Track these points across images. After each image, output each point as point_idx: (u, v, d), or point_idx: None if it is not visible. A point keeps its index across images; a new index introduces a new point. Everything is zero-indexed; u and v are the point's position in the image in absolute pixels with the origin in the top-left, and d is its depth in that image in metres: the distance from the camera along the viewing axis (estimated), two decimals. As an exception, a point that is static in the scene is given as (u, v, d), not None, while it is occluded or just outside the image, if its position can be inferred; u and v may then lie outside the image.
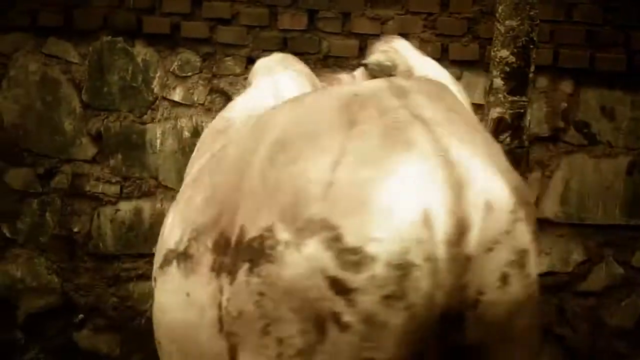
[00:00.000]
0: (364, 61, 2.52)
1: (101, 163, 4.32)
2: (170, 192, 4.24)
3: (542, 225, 3.72)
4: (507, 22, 3.36)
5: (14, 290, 4.38)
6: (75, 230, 4.33)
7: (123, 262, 4.31)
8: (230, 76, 4.23)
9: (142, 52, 4.27)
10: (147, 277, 4.32)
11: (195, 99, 4.21)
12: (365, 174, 1.42)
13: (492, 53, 3.49)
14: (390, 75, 2.45)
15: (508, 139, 3.28)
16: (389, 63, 2.50)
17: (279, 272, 1.45)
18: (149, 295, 4.35)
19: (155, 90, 4.28)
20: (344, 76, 2.62)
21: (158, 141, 4.26)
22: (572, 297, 4.27)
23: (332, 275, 1.39)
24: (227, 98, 4.05)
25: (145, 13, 4.26)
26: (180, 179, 4.16)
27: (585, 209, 4.24)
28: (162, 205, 4.28)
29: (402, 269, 1.37)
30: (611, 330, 4.26)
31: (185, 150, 4.20)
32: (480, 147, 1.52)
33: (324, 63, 4.21)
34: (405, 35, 4.18)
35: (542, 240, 4.05)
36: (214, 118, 2.41)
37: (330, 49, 4.23)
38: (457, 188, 1.42)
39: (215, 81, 4.24)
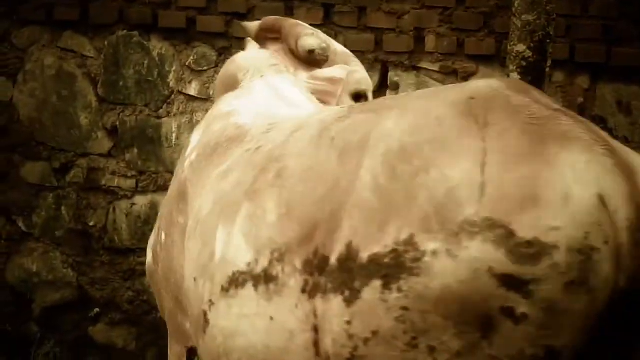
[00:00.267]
0: (308, 48, 2.49)
1: (117, 157, 4.33)
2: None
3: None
4: (523, 17, 3.35)
5: (29, 284, 4.40)
6: (91, 224, 4.34)
7: (138, 255, 4.31)
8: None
9: (157, 46, 4.27)
10: (162, 271, 4.33)
11: (211, 93, 4.21)
12: (524, 169, 1.41)
13: (509, 47, 3.48)
14: (327, 56, 2.50)
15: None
16: (325, 45, 2.53)
17: (427, 284, 1.41)
18: (164, 290, 4.38)
19: (171, 84, 4.28)
20: (325, 70, 2.56)
21: (174, 135, 4.26)
22: None
23: (503, 272, 1.38)
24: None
25: (161, 7, 4.26)
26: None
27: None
28: (177, 199, 4.29)
29: (584, 253, 1.37)
30: None
31: (201, 144, 4.21)
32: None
33: (340, 57, 4.20)
34: (421, 30, 4.19)
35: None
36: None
37: (346, 43, 4.20)
38: (628, 174, 1.43)
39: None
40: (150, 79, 4.28)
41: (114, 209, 4.34)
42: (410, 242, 1.43)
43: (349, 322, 1.49)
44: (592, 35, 4.20)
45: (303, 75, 2.46)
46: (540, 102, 1.53)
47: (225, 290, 1.76)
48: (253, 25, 2.66)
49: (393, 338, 1.45)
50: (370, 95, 2.55)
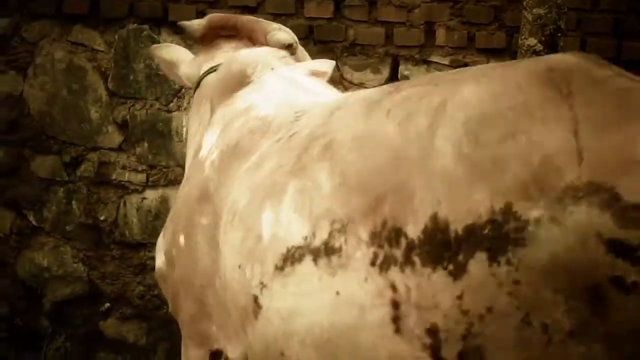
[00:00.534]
0: (286, 42, 2.50)
1: (127, 151, 4.33)
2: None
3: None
4: (534, 10, 3.34)
5: (40, 279, 4.40)
6: (102, 218, 4.34)
7: (149, 250, 4.31)
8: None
9: (168, 40, 4.26)
10: (172, 265, 4.33)
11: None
12: (619, 135, 1.38)
13: (520, 41, 3.47)
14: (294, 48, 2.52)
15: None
16: (295, 39, 2.56)
17: (535, 254, 1.36)
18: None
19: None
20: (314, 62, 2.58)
21: (184, 129, 4.26)
22: None
23: (610, 237, 1.34)
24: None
25: (171, 1, 4.26)
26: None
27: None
28: (188, 193, 4.29)
29: None
30: None
31: (211, 138, 4.20)
32: None
33: (350, 51, 4.19)
34: (431, 24, 4.18)
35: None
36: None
37: (356, 37, 4.21)
38: None
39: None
40: (160, 72, 4.26)
41: (125, 203, 4.34)
42: (508, 211, 1.39)
43: (459, 297, 1.43)
44: (603, 29, 4.18)
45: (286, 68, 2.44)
46: (622, 75, 1.51)
47: (279, 269, 1.69)
48: (197, 24, 2.64)
49: (507, 314, 1.40)
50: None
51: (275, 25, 2.58)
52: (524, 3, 3.26)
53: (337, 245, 1.58)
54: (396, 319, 1.50)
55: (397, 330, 1.50)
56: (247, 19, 2.64)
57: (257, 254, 1.76)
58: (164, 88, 4.27)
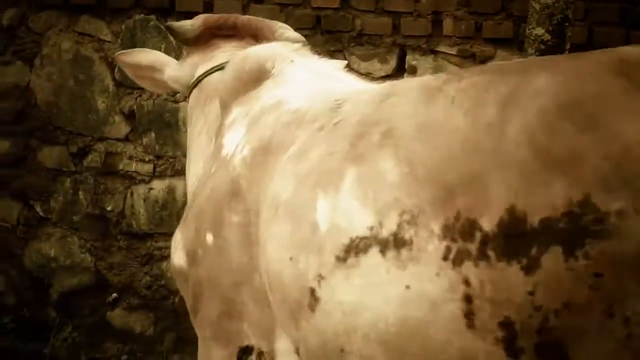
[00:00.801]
0: (296, 39, 2.48)
1: (134, 141, 4.33)
2: (203, 170, 4.25)
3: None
4: (542, 0, 3.34)
5: (47, 269, 4.41)
6: (109, 208, 4.35)
7: (156, 240, 4.32)
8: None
9: (174, 30, 4.26)
10: (179, 255, 4.33)
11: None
12: None
13: (527, 31, 3.46)
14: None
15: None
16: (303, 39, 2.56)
17: (619, 246, 1.33)
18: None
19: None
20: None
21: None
22: None
23: None
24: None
25: (178, -9, 4.26)
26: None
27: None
28: (195, 183, 4.29)
29: None
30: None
31: (218, 128, 4.20)
32: None
33: (357, 41, 4.18)
34: (439, 14, 4.17)
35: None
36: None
37: (363, 27, 4.20)
38: None
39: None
40: (167, 63, 4.27)
41: (132, 194, 4.34)
42: (586, 203, 1.36)
43: (531, 293, 1.40)
44: (610, 19, 4.17)
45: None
46: None
47: (341, 260, 1.62)
48: (190, 25, 2.59)
49: (588, 308, 1.37)
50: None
51: (280, 24, 2.57)
52: (532, -8, 3.25)
53: (407, 237, 1.53)
54: (469, 314, 1.47)
55: (470, 325, 1.47)
56: (247, 18, 2.62)
57: (312, 244, 1.69)
58: (170, 78, 4.27)
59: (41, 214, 4.39)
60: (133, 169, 4.32)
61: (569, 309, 1.39)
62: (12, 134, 4.36)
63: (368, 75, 4.08)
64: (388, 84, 1.96)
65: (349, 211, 1.63)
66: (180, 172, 4.28)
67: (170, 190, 4.30)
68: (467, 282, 1.46)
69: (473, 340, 1.46)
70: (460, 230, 1.47)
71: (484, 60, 4.16)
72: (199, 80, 2.52)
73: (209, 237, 2.05)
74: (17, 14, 4.32)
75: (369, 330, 1.58)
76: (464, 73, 1.71)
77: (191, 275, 2.12)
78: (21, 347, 4.30)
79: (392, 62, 4.16)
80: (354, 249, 1.60)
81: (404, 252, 1.53)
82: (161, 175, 4.31)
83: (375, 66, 4.16)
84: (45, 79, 4.34)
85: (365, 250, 1.58)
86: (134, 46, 4.26)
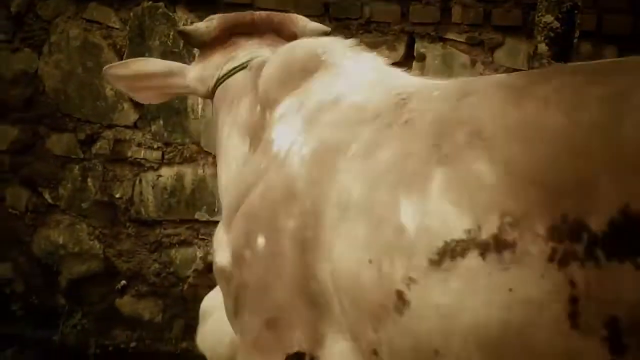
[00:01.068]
0: (324, 30, 2.47)
1: (142, 129, 4.33)
2: (212, 157, 4.25)
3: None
4: (551, -13, 3.34)
5: (56, 256, 4.42)
6: (117, 196, 4.35)
7: (165, 227, 4.33)
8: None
9: (183, 17, 4.26)
10: (188, 243, 4.34)
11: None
12: None
13: (537, 18, 3.45)
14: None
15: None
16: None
17: None
18: (191, 261, 4.41)
19: (197, 55, 4.25)
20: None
21: (199, 107, 4.26)
22: None
23: None
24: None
25: (186, -22, 4.25)
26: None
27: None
28: (203, 170, 4.29)
29: None
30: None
31: (226, 116, 4.20)
32: None
33: (366, 28, 4.18)
34: (447, 1, 4.16)
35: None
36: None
37: (372, 14, 4.19)
38: None
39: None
40: (175, 50, 4.27)
41: (140, 181, 4.34)
42: None
43: None
44: (619, 6, 4.16)
45: None
46: None
47: (435, 263, 1.58)
48: (206, 27, 2.49)
49: None
50: None
51: (300, 16, 2.52)
52: (541, -20, 3.24)
53: (509, 239, 1.50)
54: (573, 315, 1.44)
55: (574, 326, 1.44)
56: (265, 13, 2.54)
57: (399, 247, 1.64)
58: (179, 65, 4.27)
59: (50, 201, 4.40)
60: (142, 156, 4.33)
61: None
62: (21, 121, 4.36)
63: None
64: (456, 81, 1.91)
65: (441, 214, 1.59)
66: (189, 160, 4.29)
67: (179, 178, 4.31)
68: (572, 283, 1.44)
69: (577, 340, 1.45)
70: (568, 231, 1.44)
71: (492, 47, 4.15)
72: (222, 81, 2.44)
73: (260, 241, 1.98)
74: (25, 1, 4.32)
75: (467, 333, 1.55)
76: (549, 73, 1.67)
77: (235, 277, 2.06)
78: (30, 334, 4.32)
79: (401, 50, 4.16)
80: (450, 252, 1.56)
81: (507, 254, 1.50)
82: (170, 163, 4.32)
83: (384, 54, 4.15)
84: (53, 66, 4.34)
85: (462, 253, 1.55)
86: (142, 34, 4.27)
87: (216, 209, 4.32)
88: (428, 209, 1.61)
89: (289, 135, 2.03)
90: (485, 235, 1.52)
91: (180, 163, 4.31)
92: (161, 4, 4.26)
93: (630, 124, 1.43)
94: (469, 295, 1.54)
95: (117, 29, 4.31)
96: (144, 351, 4.35)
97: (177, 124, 4.29)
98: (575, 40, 3.51)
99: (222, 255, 2.12)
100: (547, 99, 1.55)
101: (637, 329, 1.40)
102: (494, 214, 1.52)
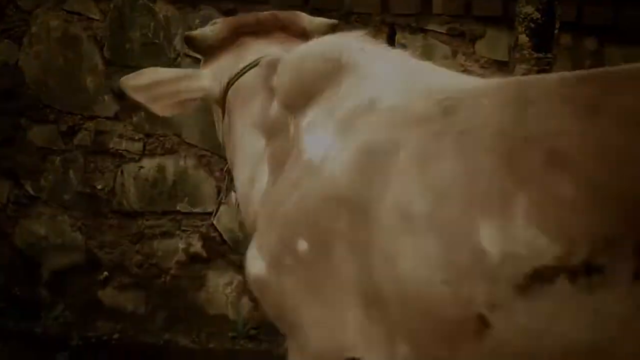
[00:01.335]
0: (331, 22, 2.46)
1: (124, 120, 4.33)
2: (193, 149, 4.25)
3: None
4: (531, -22, 3.34)
5: (38, 248, 4.41)
6: (99, 187, 4.35)
7: (147, 219, 4.33)
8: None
9: (163, 8, 4.25)
10: (170, 234, 4.34)
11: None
12: None
13: (517, 9, 3.46)
14: None
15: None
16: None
17: None
18: (173, 253, 4.41)
19: (177, 47, 4.26)
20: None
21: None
22: None
23: None
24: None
25: (167, -31, 4.24)
26: (203, 136, 4.20)
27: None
28: (185, 162, 4.29)
29: None
30: None
31: (208, 107, 4.19)
32: None
33: (347, 19, 4.17)
34: (428, -8, 4.17)
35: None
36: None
37: (352, 5, 4.19)
38: None
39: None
40: (156, 41, 4.26)
41: (122, 172, 4.34)
42: None
43: None
44: (600, -3, 4.19)
45: None
46: None
47: (520, 288, 1.56)
48: (211, 31, 2.45)
49: None
50: None
51: (304, 13, 2.49)
52: (521, -29, 3.25)
53: (600, 263, 1.49)
54: None
55: None
56: (269, 13, 2.50)
57: (480, 272, 1.61)
58: (159, 57, 4.26)
59: (31, 192, 4.39)
60: (123, 147, 4.32)
61: None
62: (2, 113, 4.35)
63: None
64: (500, 85, 1.85)
65: (529, 240, 1.56)
66: (171, 151, 4.29)
67: (161, 169, 4.31)
68: None
69: None
70: None
71: (474, 39, 4.16)
72: (234, 81, 2.38)
73: (302, 245, 1.92)
74: (5, -8, 4.30)
75: (553, 356, 1.57)
76: (610, 85, 1.64)
77: (275, 284, 2.01)
78: (12, 326, 4.31)
79: (381, 41, 4.16)
80: (538, 277, 1.55)
81: (595, 277, 1.50)
82: (151, 154, 4.32)
83: (365, 45, 4.15)
84: (34, 58, 4.33)
85: (551, 279, 1.54)
86: (122, 25, 4.26)
87: (220, 209, 4.33)
88: (513, 234, 1.57)
89: (322, 141, 1.98)
90: (575, 260, 1.51)
91: (161, 154, 4.31)
92: (141, -5, 4.25)
93: None
94: (556, 319, 1.54)
95: (97, 20, 4.30)
96: (127, 343, 4.35)
97: (158, 116, 4.27)
98: (556, 32, 3.52)
99: (256, 264, 2.06)
100: (622, 115, 1.54)
101: None
102: (584, 239, 1.51)
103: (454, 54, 4.17)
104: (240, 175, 2.33)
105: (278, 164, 2.11)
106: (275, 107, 2.19)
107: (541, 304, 1.55)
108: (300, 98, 2.10)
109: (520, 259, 1.56)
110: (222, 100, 2.41)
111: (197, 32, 2.49)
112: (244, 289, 4.29)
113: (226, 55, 2.43)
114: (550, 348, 1.56)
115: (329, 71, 2.08)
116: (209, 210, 4.28)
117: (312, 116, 2.06)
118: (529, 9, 3.47)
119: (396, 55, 2.14)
